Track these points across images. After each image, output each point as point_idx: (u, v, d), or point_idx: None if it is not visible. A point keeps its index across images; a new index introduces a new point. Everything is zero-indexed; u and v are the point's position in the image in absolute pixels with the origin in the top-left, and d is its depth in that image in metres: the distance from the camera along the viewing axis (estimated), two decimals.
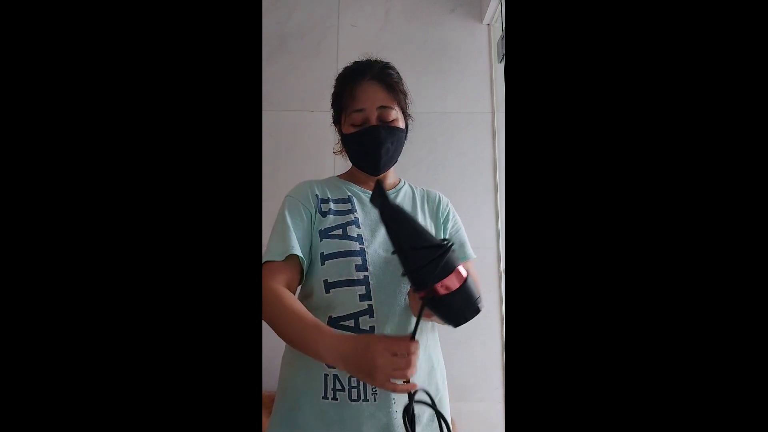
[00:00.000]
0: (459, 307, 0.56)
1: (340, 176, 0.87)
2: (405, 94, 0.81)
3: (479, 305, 0.57)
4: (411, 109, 0.85)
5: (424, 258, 0.55)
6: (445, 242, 0.57)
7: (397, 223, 0.59)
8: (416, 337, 0.58)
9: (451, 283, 0.55)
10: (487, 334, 1.42)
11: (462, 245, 0.83)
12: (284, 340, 0.67)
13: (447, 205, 0.86)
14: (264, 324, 0.62)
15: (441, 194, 0.87)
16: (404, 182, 0.88)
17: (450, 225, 0.84)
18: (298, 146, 1.44)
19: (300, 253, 0.71)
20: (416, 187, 0.88)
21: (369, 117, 0.76)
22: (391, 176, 0.86)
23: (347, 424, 0.64)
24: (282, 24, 1.52)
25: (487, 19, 1.48)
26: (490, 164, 1.45)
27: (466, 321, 0.56)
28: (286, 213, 0.74)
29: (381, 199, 0.60)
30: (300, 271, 0.73)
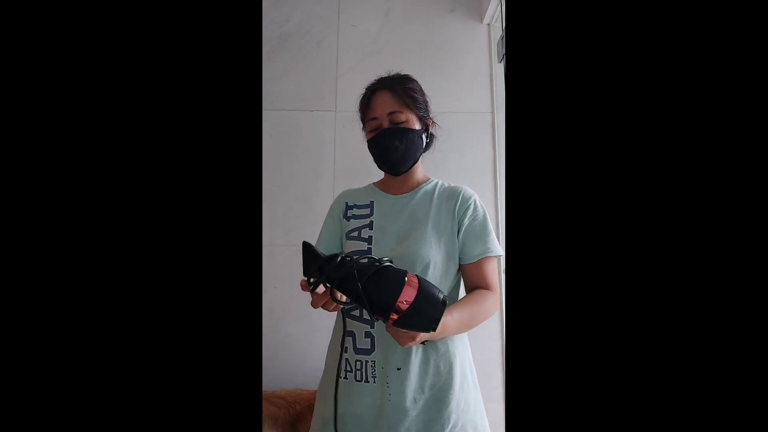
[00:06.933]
0: (426, 312, 0.57)
1: (376, 183, 0.97)
2: (417, 99, 0.88)
3: (443, 300, 0.58)
4: (432, 113, 0.91)
5: (376, 285, 0.58)
6: (379, 261, 0.60)
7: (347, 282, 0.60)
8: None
9: (408, 294, 0.57)
10: (487, 334, 1.42)
11: (478, 239, 0.84)
12: None
13: (469, 199, 0.87)
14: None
15: (466, 189, 0.90)
16: (432, 181, 0.94)
17: (467, 219, 0.85)
18: (298, 146, 1.44)
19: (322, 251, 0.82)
20: (442, 185, 0.93)
21: (381, 123, 0.86)
22: (418, 174, 0.94)
23: (353, 399, 0.79)
24: (282, 24, 1.52)
25: (487, 19, 1.49)
26: (490, 164, 1.45)
27: (437, 322, 0.58)
28: (325, 219, 0.93)
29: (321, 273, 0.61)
30: None
